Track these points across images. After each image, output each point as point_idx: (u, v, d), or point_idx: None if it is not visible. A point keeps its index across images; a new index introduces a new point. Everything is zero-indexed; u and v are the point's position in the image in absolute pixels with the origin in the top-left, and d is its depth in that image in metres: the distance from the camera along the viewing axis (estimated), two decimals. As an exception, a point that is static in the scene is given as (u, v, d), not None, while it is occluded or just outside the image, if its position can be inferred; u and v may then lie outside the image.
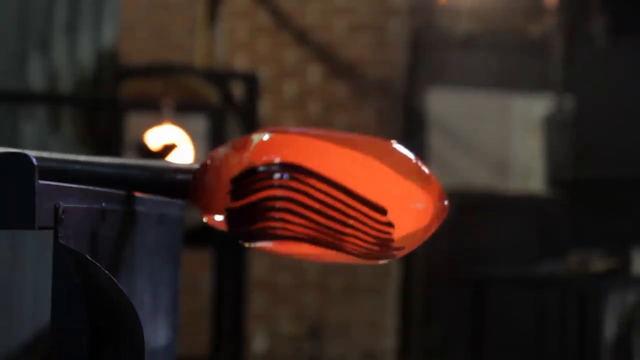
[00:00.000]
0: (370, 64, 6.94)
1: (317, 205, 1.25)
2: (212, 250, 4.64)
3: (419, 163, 1.30)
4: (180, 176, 1.34)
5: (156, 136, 4.10)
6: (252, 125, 4.63)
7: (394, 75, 6.97)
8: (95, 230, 1.16)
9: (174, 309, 1.62)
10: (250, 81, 4.83)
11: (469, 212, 7.09)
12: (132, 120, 4.17)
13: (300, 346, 6.77)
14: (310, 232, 1.26)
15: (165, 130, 4.15)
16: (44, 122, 3.87)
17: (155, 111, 4.16)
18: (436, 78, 7.43)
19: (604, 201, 6.29)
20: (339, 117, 6.92)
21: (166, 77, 4.55)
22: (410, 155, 1.31)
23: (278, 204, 1.26)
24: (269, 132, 1.31)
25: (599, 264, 5.55)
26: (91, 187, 1.16)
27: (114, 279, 1.04)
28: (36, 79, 3.86)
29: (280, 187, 1.26)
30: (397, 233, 1.27)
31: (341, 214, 1.25)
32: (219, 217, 1.32)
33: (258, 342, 6.72)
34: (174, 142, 4.05)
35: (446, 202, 1.30)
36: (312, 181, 1.26)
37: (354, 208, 1.25)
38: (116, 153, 3.99)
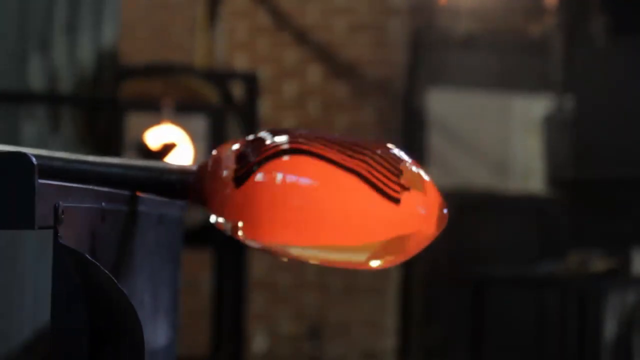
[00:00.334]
0: (370, 64, 6.94)
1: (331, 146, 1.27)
2: (212, 250, 4.64)
3: (420, 170, 1.31)
4: (181, 177, 1.34)
5: (156, 136, 4.10)
6: (252, 125, 4.63)
7: (394, 75, 6.97)
8: (95, 230, 1.16)
9: (174, 309, 1.62)
10: (250, 81, 4.83)
11: (469, 212, 7.09)
12: (132, 120, 4.16)
13: (300, 346, 6.77)
14: (325, 152, 1.27)
15: (165, 130, 4.15)
16: (44, 122, 3.87)
17: (155, 111, 4.16)
18: (436, 78, 7.43)
19: (604, 201, 6.29)
20: (339, 117, 6.92)
21: (166, 77, 4.55)
22: (410, 161, 1.31)
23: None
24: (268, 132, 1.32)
25: (599, 264, 5.55)
26: (91, 187, 1.16)
27: (114, 279, 1.04)
28: (36, 79, 3.86)
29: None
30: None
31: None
32: (220, 219, 1.32)
33: (258, 342, 6.72)
34: (173, 141, 4.05)
35: (445, 211, 1.30)
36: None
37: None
38: (116, 153, 3.99)
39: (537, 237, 7.19)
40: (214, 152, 1.35)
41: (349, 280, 6.71)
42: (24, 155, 0.99)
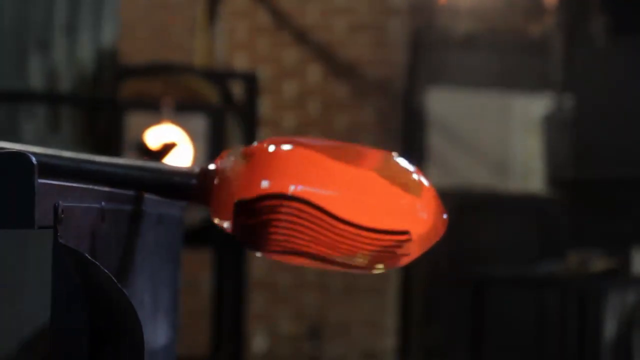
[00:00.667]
0: (370, 63, 6.93)
1: (323, 232, 1.29)
2: (212, 250, 4.64)
3: (421, 177, 1.32)
4: (185, 179, 1.35)
5: (156, 135, 4.09)
6: (251, 125, 4.63)
7: (394, 75, 6.97)
8: (95, 229, 1.15)
9: (174, 309, 1.62)
10: (250, 81, 4.83)
11: (469, 212, 7.09)
12: (132, 119, 4.16)
13: (300, 346, 6.77)
14: (315, 251, 1.30)
15: (165, 130, 4.15)
16: (44, 121, 3.87)
17: (154, 111, 4.15)
18: (436, 78, 7.43)
19: (604, 201, 6.29)
20: (338, 117, 6.92)
21: (166, 77, 4.55)
22: (411, 168, 1.32)
23: (283, 226, 1.30)
24: (275, 144, 1.32)
25: (599, 264, 5.55)
26: (90, 187, 1.15)
27: (114, 279, 1.04)
28: (36, 79, 3.86)
29: (286, 214, 1.29)
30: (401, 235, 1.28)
31: (348, 246, 1.29)
32: (225, 224, 1.34)
33: (258, 342, 6.72)
34: (173, 141, 4.05)
35: (445, 216, 1.31)
36: (318, 214, 1.28)
37: (359, 235, 1.29)
38: (116, 152, 3.99)
39: (537, 237, 7.19)
40: (222, 156, 1.36)
41: (349, 281, 6.71)
42: (23, 155, 0.99)
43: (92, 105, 4.18)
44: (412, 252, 1.30)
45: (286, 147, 1.32)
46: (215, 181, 1.34)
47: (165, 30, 6.88)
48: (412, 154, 7.15)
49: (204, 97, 4.53)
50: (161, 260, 1.53)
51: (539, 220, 7.22)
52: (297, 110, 6.92)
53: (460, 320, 6.80)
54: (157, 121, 4.14)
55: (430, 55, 7.40)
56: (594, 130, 6.25)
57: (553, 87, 6.75)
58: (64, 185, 1.06)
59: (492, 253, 7.10)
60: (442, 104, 7.40)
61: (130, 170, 1.30)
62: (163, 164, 1.40)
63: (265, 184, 1.29)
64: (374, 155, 1.33)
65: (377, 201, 1.28)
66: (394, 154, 1.34)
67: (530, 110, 7.35)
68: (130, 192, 1.33)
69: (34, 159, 0.99)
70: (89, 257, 1.03)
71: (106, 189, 1.22)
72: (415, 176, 1.31)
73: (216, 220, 1.35)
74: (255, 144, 1.36)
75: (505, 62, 7.45)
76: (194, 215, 3.80)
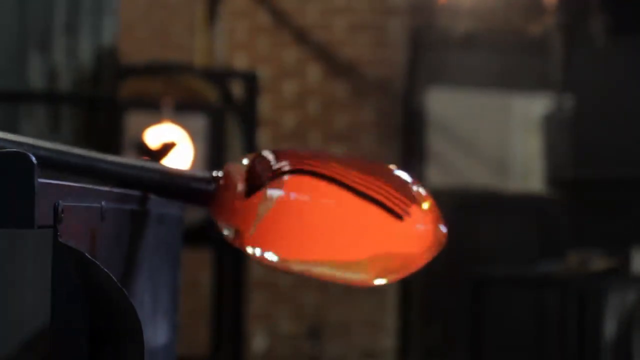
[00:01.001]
0: (370, 63, 6.94)
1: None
2: (212, 250, 4.63)
3: (420, 189, 1.32)
4: (201, 185, 1.36)
5: (155, 135, 4.10)
6: (251, 124, 4.63)
7: (393, 75, 6.97)
8: (95, 229, 1.15)
9: (174, 309, 1.62)
10: (250, 80, 4.83)
11: (469, 212, 7.09)
12: (132, 119, 4.16)
13: (300, 346, 6.77)
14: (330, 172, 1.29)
15: (165, 129, 4.15)
16: (44, 121, 3.87)
17: (154, 110, 4.16)
18: (436, 78, 7.43)
19: (604, 201, 6.29)
20: (338, 116, 6.92)
21: (166, 76, 4.55)
22: (410, 180, 1.32)
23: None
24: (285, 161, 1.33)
25: (598, 263, 5.55)
26: (90, 186, 1.15)
27: (114, 279, 1.03)
28: (36, 78, 3.86)
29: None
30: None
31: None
32: (229, 231, 1.34)
33: (258, 342, 6.72)
34: (173, 141, 4.05)
35: (445, 230, 1.32)
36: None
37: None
38: (116, 152, 3.99)
39: (537, 237, 7.19)
40: (231, 165, 1.37)
41: (349, 280, 6.70)
42: (23, 155, 0.99)
43: (92, 105, 4.18)
44: (410, 270, 1.32)
45: (298, 150, 1.34)
46: (226, 176, 1.35)
47: (165, 30, 6.88)
48: (412, 154, 7.16)
49: (204, 97, 4.53)
50: (161, 260, 1.53)
51: (539, 220, 7.22)
52: (297, 110, 6.92)
53: (459, 320, 6.80)
54: (157, 121, 4.14)
55: (430, 55, 7.40)
56: (594, 130, 6.25)
57: (553, 87, 6.75)
58: (64, 185, 1.06)
59: (492, 253, 7.10)
60: (442, 104, 7.39)
61: (151, 173, 1.32)
62: (183, 169, 1.42)
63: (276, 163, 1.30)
64: (378, 166, 1.34)
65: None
66: (393, 166, 1.35)
67: (530, 110, 7.35)
68: (130, 192, 1.33)
69: (34, 159, 0.99)
70: (89, 257, 1.03)
71: (106, 188, 1.22)
72: (415, 188, 1.32)
73: (225, 232, 1.36)
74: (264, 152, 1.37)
75: (505, 62, 7.45)
76: (193, 215, 3.80)
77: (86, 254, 1.03)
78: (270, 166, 1.30)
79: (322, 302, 6.78)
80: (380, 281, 1.32)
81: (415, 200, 1.30)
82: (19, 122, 3.78)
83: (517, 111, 7.48)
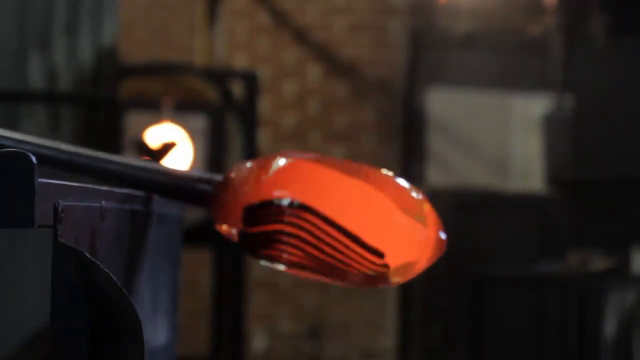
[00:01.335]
0: (370, 63, 6.93)
1: (320, 244, 1.32)
2: (212, 250, 4.63)
3: (419, 195, 1.33)
4: (202, 186, 1.37)
5: (156, 135, 4.09)
6: (251, 124, 4.63)
7: (393, 75, 6.97)
8: (95, 229, 1.15)
9: (174, 309, 1.62)
10: (250, 80, 4.82)
11: (469, 212, 7.09)
12: (132, 119, 4.16)
13: (300, 346, 6.77)
14: (313, 264, 1.35)
15: (165, 129, 4.15)
16: (44, 121, 3.87)
17: (154, 110, 4.15)
18: (436, 78, 7.43)
19: (604, 201, 6.29)
20: (338, 116, 6.92)
21: (166, 76, 4.55)
22: (408, 186, 1.33)
23: (285, 238, 1.33)
24: (286, 158, 1.36)
25: (599, 263, 5.55)
26: (90, 186, 1.15)
27: (114, 279, 1.03)
28: (36, 78, 3.86)
29: (289, 223, 1.32)
30: (395, 263, 1.31)
31: (341, 255, 1.32)
32: (232, 231, 1.36)
33: (258, 342, 6.71)
34: (173, 141, 4.05)
35: (444, 236, 1.33)
36: (318, 222, 1.31)
37: (354, 251, 1.31)
38: (116, 152, 3.99)
39: (537, 237, 7.19)
40: (237, 166, 1.40)
41: (349, 280, 6.70)
42: (23, 154, 0.99)
43: (92, 105, 4.18)
44: (409, 273, 1.33)
45: (297, 159, 1.34)
46: (230, 177, 1.37)
47: (165, 30, 6.88)
48: (412, 154, 7.15)
49: (204, 97, 4.53)
50: (161, 260, 1.53)
51: (539, 220, 7.21)
52: (297, 110, 6.92)
53: (459, 320, 6.80)
54: (157, 120, 4.14)
55: (430, 55, 7.40)
56: (594, 130, 6.25)
57: (553, 87, 6.75)
58: (64, 185, 1.06)
59: (492, 253, 7.10)
60: (442, 103, 7.39)
61: (152, 174, 1.34)
62: (186, 170, 1.43)
63: (273, 192, 1.32)
64: (377, 174, 1.35)
65: (381, 222, 1.31)
66: (391, 173, 1.36)
67: (530, 110, 7.35)
68: (131, 192, 1.33)
69: (34, 158, 0.99)
70: (89, 257, 1.03)
71: (106, 188, 1.22)
72: (414, 194, 1.33)
73: (224, 227, 1.38)
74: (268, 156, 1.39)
75: (505, 62, 7.45)
76: (194, 215, 3.80)
77: (86, 254, 1.03)
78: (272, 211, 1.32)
79: (322, 302, 6.78)
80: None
81: (419, 215, 1.32)
82: (19, 122, 3.78)
83: (517, 111, 7.48)
